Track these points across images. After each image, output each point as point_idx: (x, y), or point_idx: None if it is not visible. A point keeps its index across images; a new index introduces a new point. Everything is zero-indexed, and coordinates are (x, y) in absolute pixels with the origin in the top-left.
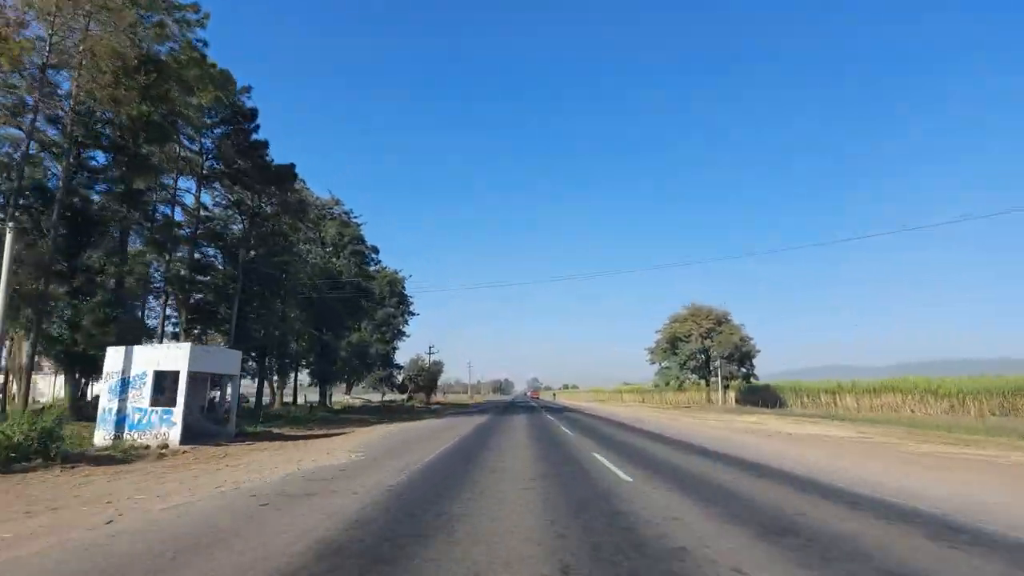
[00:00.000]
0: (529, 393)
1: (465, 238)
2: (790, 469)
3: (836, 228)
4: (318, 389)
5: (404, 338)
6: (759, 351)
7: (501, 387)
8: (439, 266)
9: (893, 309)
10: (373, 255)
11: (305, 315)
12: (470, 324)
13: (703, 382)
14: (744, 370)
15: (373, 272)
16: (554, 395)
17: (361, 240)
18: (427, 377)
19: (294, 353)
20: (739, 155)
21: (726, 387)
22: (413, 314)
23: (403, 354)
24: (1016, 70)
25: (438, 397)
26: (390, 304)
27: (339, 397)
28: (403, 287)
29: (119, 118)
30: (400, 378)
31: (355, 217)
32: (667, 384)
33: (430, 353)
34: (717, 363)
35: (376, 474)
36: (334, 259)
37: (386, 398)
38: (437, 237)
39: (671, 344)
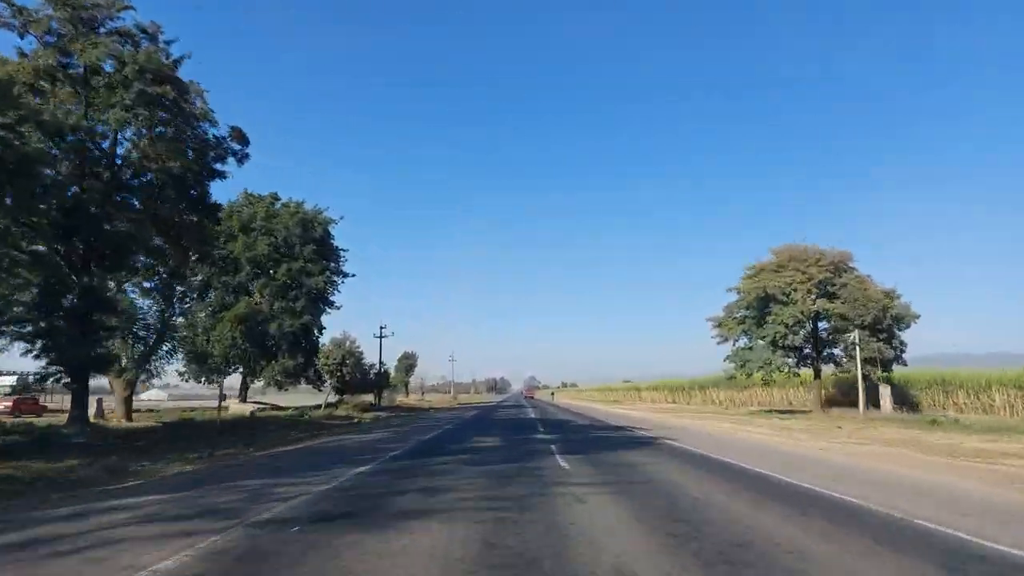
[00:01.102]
0: (524, 392)
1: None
2: None
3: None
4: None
5: (330, 310)
6: (918, 317)
7: (496, 385)
8: (435, 261)
9: None
10: (234, 145)
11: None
12: (466, 322)
13: (804, 369)
14: (893, 350)
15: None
16: (552, 394)
17: (180, 88)
18: (356, 367)
19: None
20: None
21: (865, 378)
22: (345, 274)
23: (368, 346)
24: None
25: (405, 398)
26: (303, 255)
27: (233, 405)
28: (326, 232)
29: None
30: (323, 371)
31: (166, 40)
32: (747, 375)
33: (381, 336)
34: (851, 336)
35: None
36: (105, 115)
37: (311, 403)
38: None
39: (758, 308)
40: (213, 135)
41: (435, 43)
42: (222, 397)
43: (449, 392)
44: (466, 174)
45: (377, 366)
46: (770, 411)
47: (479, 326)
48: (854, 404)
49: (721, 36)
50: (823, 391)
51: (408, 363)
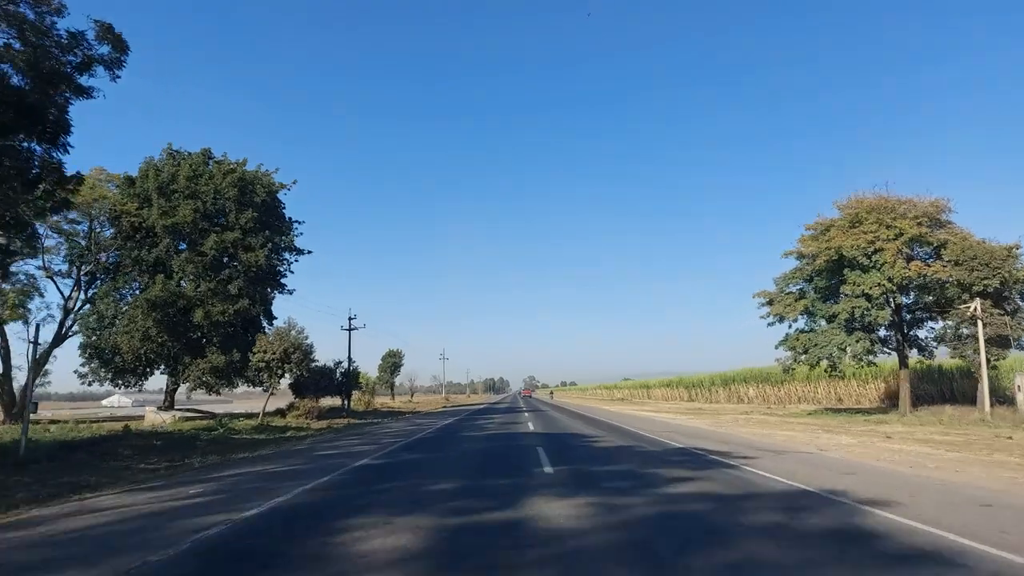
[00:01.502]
0: (522, 392)
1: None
2: None
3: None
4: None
5: (277, 293)
6: None
7: (495, 386)
8: (434, 260)
9: None
10: (100, 48)
11: None
12: (465, 323)
13: (887, 354)
14: (1019, 324)
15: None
16: (551, 393)
17: None
18: (303, 363)
19: None
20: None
21: (993, 365)
22: (299, 251)
23: (333, 346)
24: None
25: (390, 400)
26: (240, 223)
27: (149, 413)
28: (272, 198)
29: None
30: (260, 368)
31: None
32: (812, 365)
33: (350, 328)
34: (972, 307)
35: None
36: None
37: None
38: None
39: (828, 276)
40: (66, 30)
41: (435, 42)
42: (32, 406)
43: (440, 392)
44: (466, 173)
45: (346, 363)
46: (836, 411)
47: (478, 327)
48: (937, 399)
49: (718, 33)
50: (887, 384)
51: (393, 361)
